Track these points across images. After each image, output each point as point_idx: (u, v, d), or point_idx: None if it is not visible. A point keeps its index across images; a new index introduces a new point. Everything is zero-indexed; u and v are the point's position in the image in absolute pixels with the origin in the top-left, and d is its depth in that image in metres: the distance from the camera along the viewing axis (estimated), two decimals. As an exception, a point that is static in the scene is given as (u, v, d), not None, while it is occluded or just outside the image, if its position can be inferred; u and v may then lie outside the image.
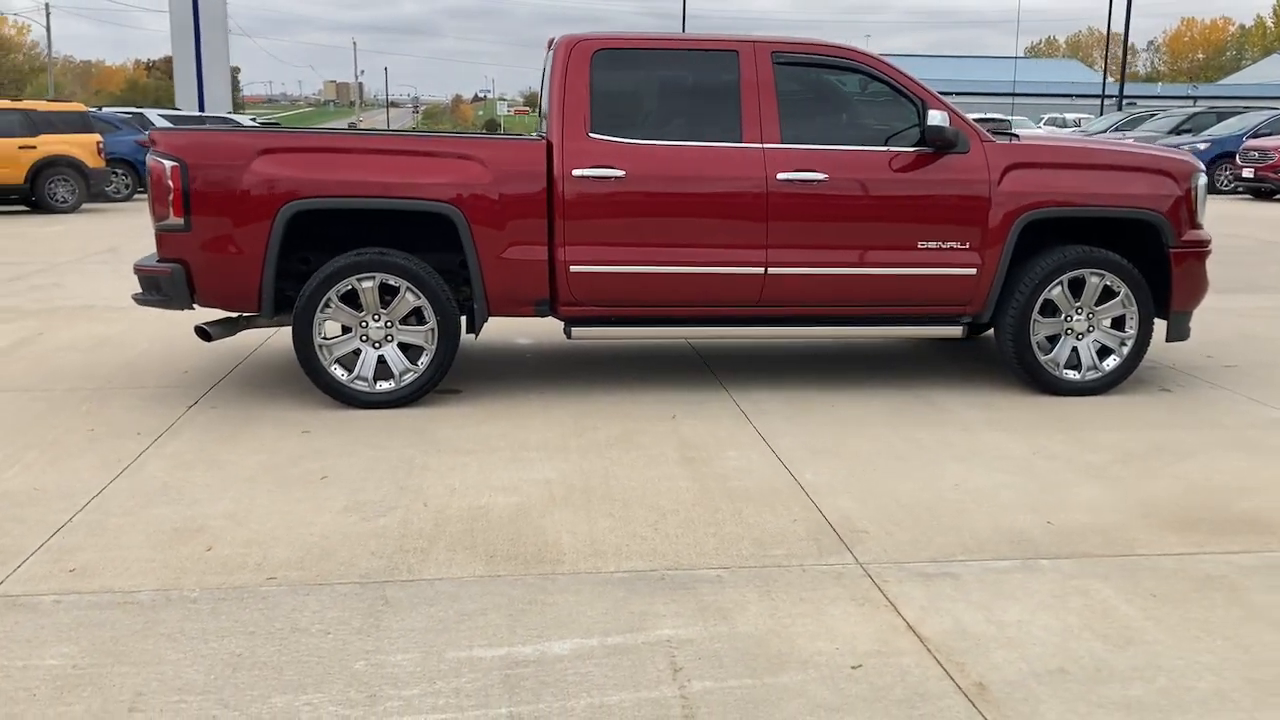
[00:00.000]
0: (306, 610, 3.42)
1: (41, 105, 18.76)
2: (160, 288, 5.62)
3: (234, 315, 5.95)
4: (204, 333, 5.81)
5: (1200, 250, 6.13)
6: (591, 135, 5.71)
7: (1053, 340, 6.11)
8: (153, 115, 26.01)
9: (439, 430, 5.38)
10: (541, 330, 7.58)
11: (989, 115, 33.33)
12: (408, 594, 3.55)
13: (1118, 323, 6.12)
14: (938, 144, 5.79)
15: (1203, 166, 6.23)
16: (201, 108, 32.41)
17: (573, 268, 5.72)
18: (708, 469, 4.82)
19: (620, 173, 5.67)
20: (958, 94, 74.70)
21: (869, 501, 4.42)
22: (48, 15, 72.21)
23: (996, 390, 6.21)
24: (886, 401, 5.98)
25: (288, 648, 3.18)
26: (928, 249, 5.89)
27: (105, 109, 24.58)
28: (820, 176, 5.79)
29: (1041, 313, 6.04)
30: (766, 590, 3.59)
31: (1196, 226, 6.12)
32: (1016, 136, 6.30)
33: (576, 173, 5.66)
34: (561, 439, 5.26)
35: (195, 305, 5.71)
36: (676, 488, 4.57)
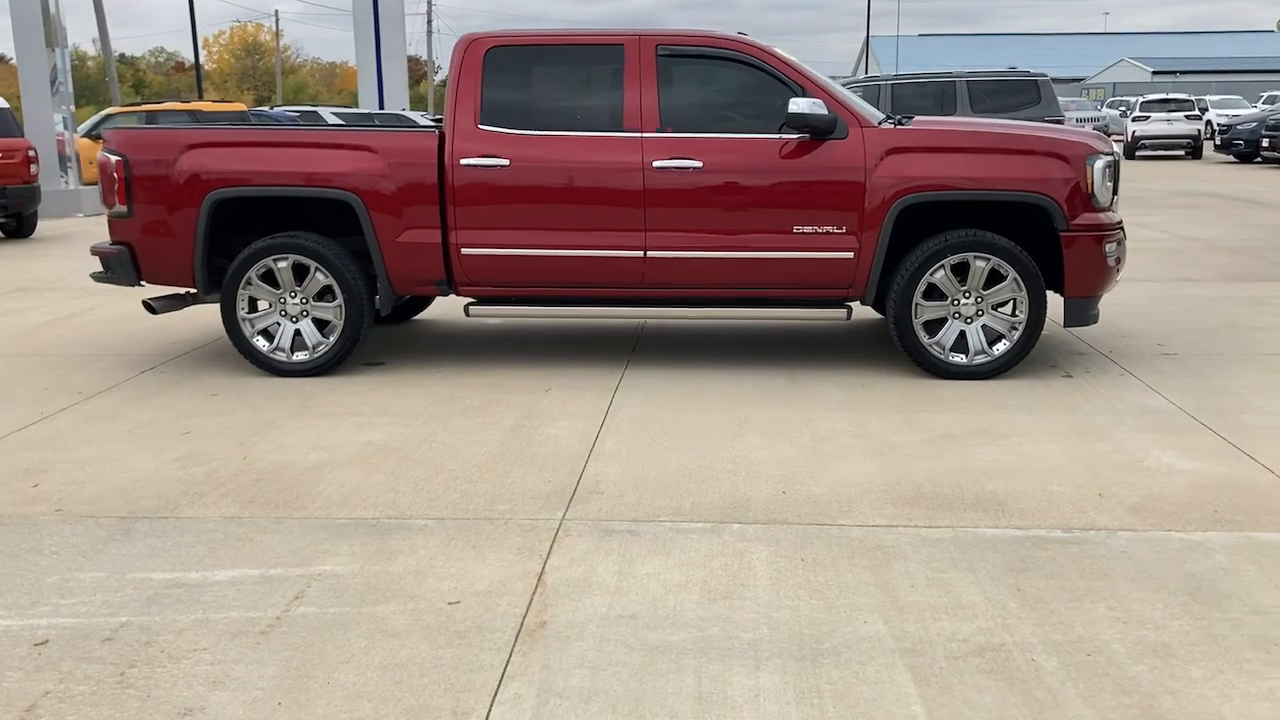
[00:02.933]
0: (57, 536, 4.05)
1: (207, 106, 20.58)
2: (110, 267, 6.43)
3: (180, 292, 6.71)
4: (150, 307, 6.60)
5: (1099, 234, 6.03)
6: (481, 127, 6.16)
7: (941, 323, 6.15)
8: (325, 112, 27.85)
9: (326, 396, 5.96)
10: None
11: (1169, 96, 31.52)
12: (150, 528, 4.12)
13: (1010, 307, 6.11)
14: (802, 129, 5.95)
15: (1105, 148, 6.11)
16: (381, 105, 34.06)
17: (464, 250, 6.19)
18: (525, 436, 5.20)
19: (505, 161, 6.10)
20: (1200, 72, 69.96)
21: (636, 468, 4.72)
22: (277, 22, 77.62)
23: (886, 374, 6.30)
24: (761, 380, 6.18)
25: (12, 563, 3.81)
26: (804, 233, 6.05)
27: (276, 108, 26.57)
28: (696, 164, 6.04)
29: (926, 296, 6.10)
30: (452, 538, 3.99)
31: (1095, 210, 6.03)
32: (908, 121, 6.36)
33: (464, 162, 6.12)
34: (424, 406, 5.75)
35: (143, 283, 6.49)
36: (478, 451, 4.99)
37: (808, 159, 6.03)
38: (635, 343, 7.22)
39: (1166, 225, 13.81)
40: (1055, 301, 6.20)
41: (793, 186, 6.05)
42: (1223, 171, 24.76)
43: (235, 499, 4.42)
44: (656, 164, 6.05)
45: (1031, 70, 16.79)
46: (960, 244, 6.00)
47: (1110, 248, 6.09)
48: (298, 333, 6.38)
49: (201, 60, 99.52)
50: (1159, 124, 30.70)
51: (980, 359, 6.12)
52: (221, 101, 25.41)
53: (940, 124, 6.68)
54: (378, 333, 7.67)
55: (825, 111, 5.92)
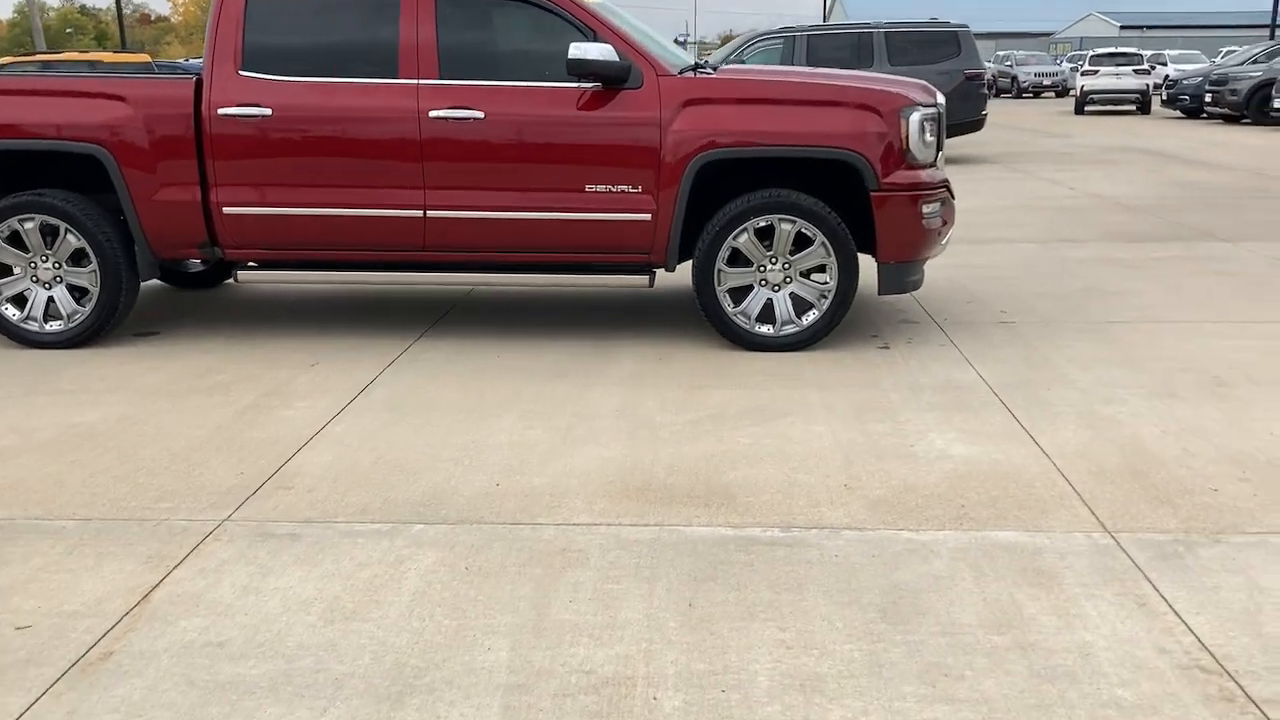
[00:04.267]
0: None
1: (108, 57, 19.72)
2: None
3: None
4: (-108, 273, 6.01)
5: (915, 194, 5.54)
6: (242, 73, 5.59)
7: (747, 291, 5.66)
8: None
9: (69, 371, 5.44)
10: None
11: (1119, 50, 30.96)
12: None
13: (820, 273, 5.63)
14: (587, 77, 5.42)
15: (925, 100, 5.61)
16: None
17: (226, 209, 5.65)
18: (254, 417, 4.70)
19: (266, 111, 5.55)
20: (1169, 27, 68.75)
21: (351, 456, 4.23)
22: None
23: (692, 345, 5.82)
24: (561, 352, 5.69)
25: None
26: (597, 192, 5.54)
27: (194, 60, 25.70)
28: (477, 114, 5.51)
29: (730, 262, 5.61)
30: (81, 544, 3.49)
31: (912, 167, 5.54)
32: (710, 70, 5.84)
33: (222, 112, 5.56)
34: (169, 383, 5.23)
35: (-114, 246, 5.91)
36: (189, 435, 4.49)
37: (600, 111, 5.51)
38: (447, 309, 6.71)
39: (1079, 182, 13.37)
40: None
41: (583, 140, 5.53)
42: (1164, 127, 24.35)
43: (-127, 495, 3.90)
44: (434, 114, 5.51)
45: (952, 21, 16.21)
46: (764, 205, 5.51)
47: (930, 209, 5.60)
48: (51, 300, 5.82)
49: (168, 13, 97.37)
50: (1107, 78, 30.19)
51: (788, 329, 5.64)
52: (121, 52, 24.48)
53: (745, 73, 6.16)
54: (176, 297, 7.14)
55: (615, 58, 5.38)
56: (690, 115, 5.46)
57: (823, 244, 5.53)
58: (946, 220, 5.78)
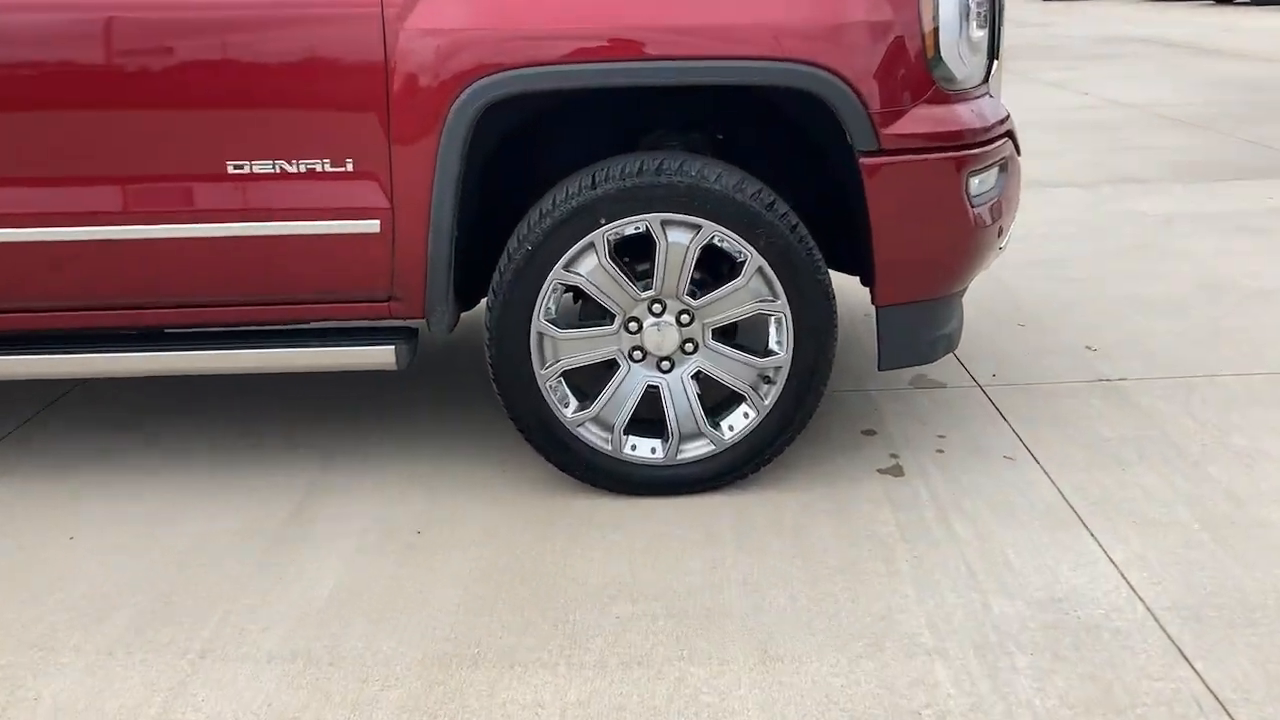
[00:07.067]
0: None
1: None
2: None
3: None
4: None
5: (953, 154, 2.54)
6: None
7: (607, 372, 2.66)
8: None
9: None
10: None
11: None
12: None
13: (771, 330, 2.63)
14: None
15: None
16: None
17: None
18: None
19: None
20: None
21: None
22: None
23: (504, 489, 2.84)
24: (213, 522, 2.69)
25: None
26: (254, 174, 2.49)
27: None
28: (-31, 10, 2.41)
29: (571, 313, 2.60)
30: None
31: (943, 98, 2.53)
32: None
33: None
34: None
35: None
36: None
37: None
38: (61, 394, 3.65)
39: (1090, 85, 10.42)
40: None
41: (215, 58, 2.45)
42: (1153, 10, 21.37)
43: None
44: None
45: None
46: (628, 192, 2.48)
47: (981, 183, 2.61)
48: None
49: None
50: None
51: (694, 450, 2.67)
52: None
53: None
54: None
55: None
56: (450, 4, 2.40)
57: (760, 271, 2.52)
58: (1006, 204, 2.79)
